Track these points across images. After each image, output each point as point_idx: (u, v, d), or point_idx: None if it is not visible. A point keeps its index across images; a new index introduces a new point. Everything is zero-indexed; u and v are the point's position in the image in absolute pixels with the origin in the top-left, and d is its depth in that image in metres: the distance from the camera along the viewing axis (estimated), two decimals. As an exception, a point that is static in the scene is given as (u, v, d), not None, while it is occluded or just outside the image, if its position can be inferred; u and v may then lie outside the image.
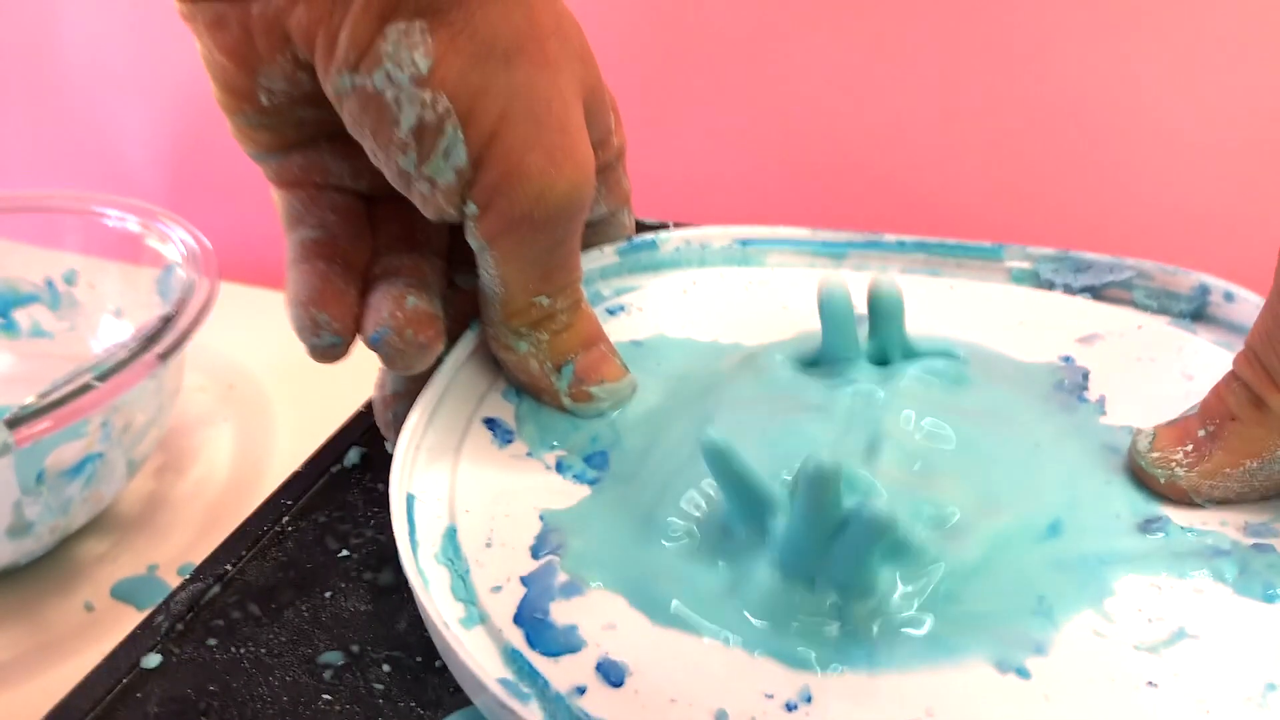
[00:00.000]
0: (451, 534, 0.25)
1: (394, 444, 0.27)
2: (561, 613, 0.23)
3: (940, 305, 0.31)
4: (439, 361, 0.28)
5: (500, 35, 0.24)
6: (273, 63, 0.25)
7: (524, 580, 0.24)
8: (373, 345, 0.26)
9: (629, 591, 0.23)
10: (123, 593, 0.35)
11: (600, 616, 0.23)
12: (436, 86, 0.24)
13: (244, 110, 0.26)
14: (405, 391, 0.28)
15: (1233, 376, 0.24)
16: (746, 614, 0.23)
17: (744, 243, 0.33)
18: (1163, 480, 0.25)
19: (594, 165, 0.26)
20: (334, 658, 0.24)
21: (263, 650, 0.25)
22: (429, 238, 0.29)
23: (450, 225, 0.27)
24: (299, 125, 0.27)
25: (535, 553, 0.25)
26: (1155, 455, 0.25)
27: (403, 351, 0.26)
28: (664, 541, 0.24)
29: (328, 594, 0.26)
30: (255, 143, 0.27)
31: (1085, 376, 0.28)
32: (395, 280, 0.27)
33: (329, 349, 0.27)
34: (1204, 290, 0.29)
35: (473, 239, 0.26)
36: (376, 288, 0.27)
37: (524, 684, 0.22)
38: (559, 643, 0.22)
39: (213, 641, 0.25)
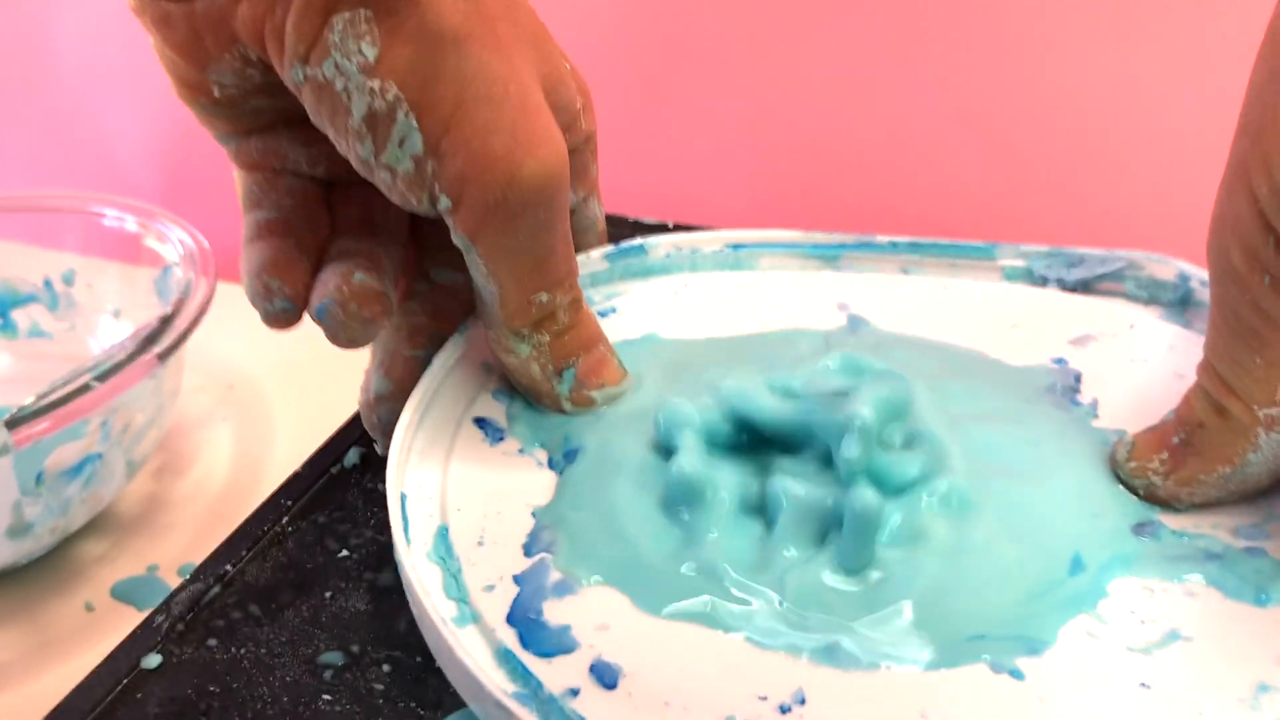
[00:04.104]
0: (443, 533, 0.25)
1: (383, 446, 0.27)
2: (555, 612, 0.23)
3: (933, 307, 0.31)
4: (429, 363, 0.28)
5: (447, 21, 0.24)
6: (220, 60, 0.26)
7: (517, 579, 0.24)
8: (317, 317, 0.27)
9: (624, 585, 0.23)
10: (123, 593, 0.35)
11: (594, 616, 0.23)
12: (385, 75, 0.24)
13: (199, 101, 0.27)
14: (389, 394, 0.28)
15: (1198, 384, 0.24)
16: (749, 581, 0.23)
17: (735, 247, 0.33)
18: (1142, 491, 0.25)
19: (563, 144, 0.26)
20: (334, 658, 0.25)
21: (263, 650, 0.25)
22: (388, 223, 0.29)
23: (413, 214, 0.27)
24: (255, 114, 0.28)
25: (528, 550, 0.25)
26: (1133, 465, 0.25)
27: (345, 324, 0.26)
28: (647, 531, 0.24)
29: (328, 594, 0.26)
30: (214, 128, 0.28)
31: (1078, 379, 0.28)
32: (346, 260, 0.27)
33: (281, 314, 0.27)
34: (1185, 278, 0.30)
35: (457, 238, 0.26)
36: (326, 266, 0.27)
37: (517, 685, 0.22)
38: (552, 643, 0.22)
39: (213, 642, 0.25)
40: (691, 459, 0.25)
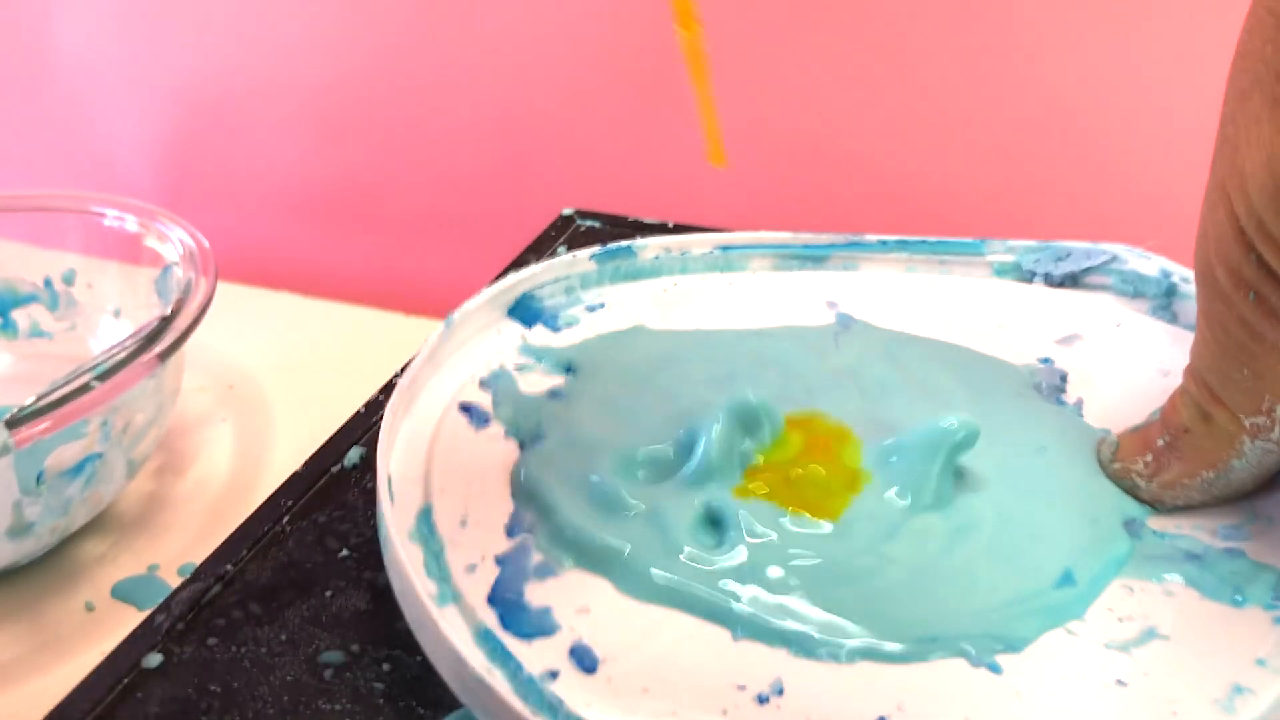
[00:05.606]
0: (426, 513, 0.25)
1: None
2: (536, 594, 0.23)
3: (922, 305, 0.32)
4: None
5: None
6: None
7: (499, 560, 0.24)
8: None
9: (601, 569, 0.24)
10: (123, 593, 0.35)
11: (574, 598, 0.23)
12: None
13: None
14: None
15: (1183, 389, 0.24)
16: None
17: (725, 248, 0.33)
18: (1125, 492, 0.25)
19: None
20: (334, 658, 0.25)
21: (263, 650, 0.25)
22: None
23: None
24: None
25: (510, 532, 0.25)
26: (1117, 466, 0.25)
27: None
28: (625, 514, 0.25)
29: (328, 594, 0.27)
30: None
31: (1064, 379, 0.29)
32: None
33: None
34: (1167, 274, 0.30)
35: None
36: None
37: (496, 665, 0.22)
38: (533, 625, 0.23)
39: (213, 641, 0.25)
40: (721, 441, 0.25)
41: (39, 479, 0.33)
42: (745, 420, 0.26)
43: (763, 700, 0.21)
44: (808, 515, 0.24)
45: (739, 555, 0.24)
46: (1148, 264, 0.30)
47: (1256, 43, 0.20)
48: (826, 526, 0.24)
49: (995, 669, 0.21)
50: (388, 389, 0.34)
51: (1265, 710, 0.20)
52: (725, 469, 0.25)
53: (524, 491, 0.26)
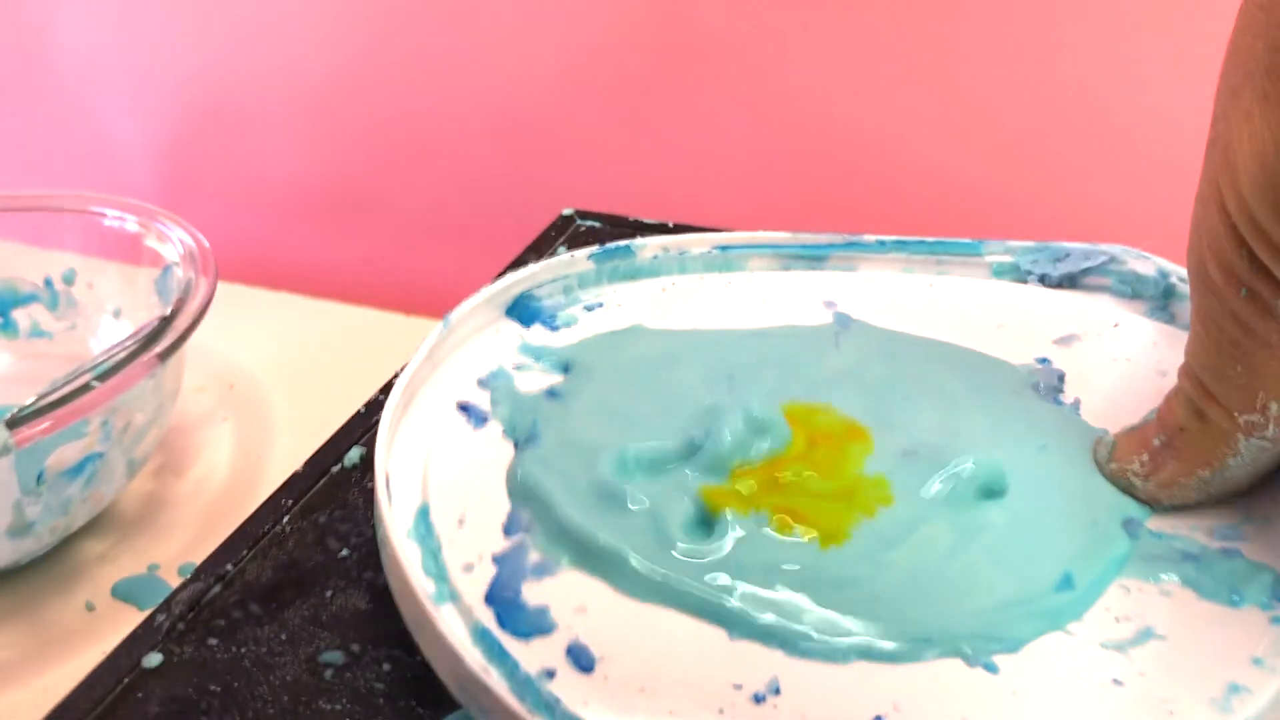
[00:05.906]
0: (424, 512, 0.25)
1: None
2: (533, 593, 0.23)
3: (920, 305, 0.32)
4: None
5: None
6: None
7: (496, 559, 0.24)
8: None
9: (597, 569, 0.24)
10: (123, 593, 0.35)
11: (572, 598, 0.23)
12: None
13: None
14: None
15: (1179, 387, 0.24)
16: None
17: (723, 248, 0.34)
18: (1122, 492, 0.25)
19: None
20: (334, 657, 0.25)
21: (263, 650, 0.25)
22: None
23: None
24: None
25: (508, 531, 0.25)
26: (1114, 466, 0.25)
27: None
28: (628, 507, 0.25)
29: (328, 594, 0.27)
30: None
31: (1061, 379, 0.29)
32: None
33: None
34: (1164, 274, 0.30)
35: None
36: None
37: (493, 664, 0.22)
38: (530, 624, 0.23)
39: (213, 641, 0.25)
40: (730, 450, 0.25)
41: (39, 479, 0.33)
42: (757, 429, 0.26)
43: (759, 699, 0.21)
44: (799, 529, 0.24)
45: (731, 554, 0.24)
46: (1145, 265, 0.31)
47: (1247, 39, 0.20)
48: (820, 537, 0.24)
49: (992, 669, 0.21)
50: (388, 389, 0.34)
51: (1261, 709, 0.20)
52: (725, 471, 0.26)
53: (520, 490, 0.26)
